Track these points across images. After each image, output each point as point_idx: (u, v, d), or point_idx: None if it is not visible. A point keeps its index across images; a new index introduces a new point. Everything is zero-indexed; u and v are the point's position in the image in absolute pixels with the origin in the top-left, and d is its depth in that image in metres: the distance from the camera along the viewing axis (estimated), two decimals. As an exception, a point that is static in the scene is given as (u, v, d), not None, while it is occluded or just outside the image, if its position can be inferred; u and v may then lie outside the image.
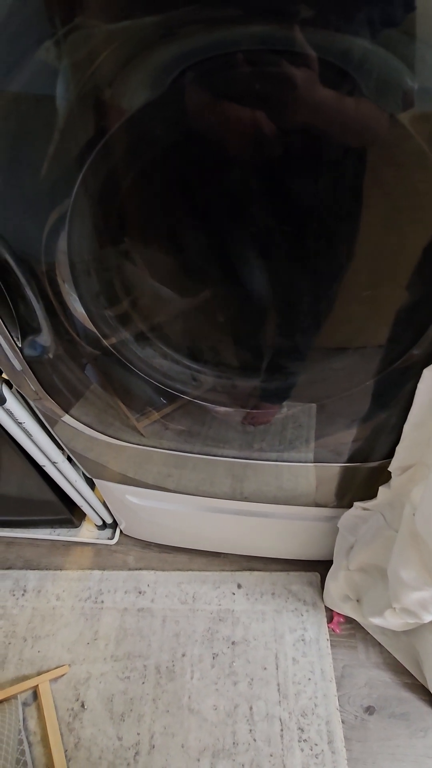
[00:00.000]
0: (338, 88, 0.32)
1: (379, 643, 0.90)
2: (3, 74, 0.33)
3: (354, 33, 0.29)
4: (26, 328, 0.50)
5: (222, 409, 0.65)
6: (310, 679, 0.87)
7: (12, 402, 0.63)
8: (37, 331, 0.50)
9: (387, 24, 0.29)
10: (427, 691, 0.84)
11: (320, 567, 1.00)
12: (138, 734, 0.81)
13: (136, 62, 0.33)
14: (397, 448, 0.53)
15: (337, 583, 0.81)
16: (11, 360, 0.53)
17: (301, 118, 0.34)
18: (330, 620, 0.93)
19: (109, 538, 1.08)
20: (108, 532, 1.10)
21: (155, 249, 0.47)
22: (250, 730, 0.82)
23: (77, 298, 0.48)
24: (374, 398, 0.54)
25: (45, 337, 0.51)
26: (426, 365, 0.45)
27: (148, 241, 0.46)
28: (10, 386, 0.62)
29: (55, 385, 0.60)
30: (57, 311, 0.49)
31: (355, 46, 0.30)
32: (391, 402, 0.53)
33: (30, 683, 0.85)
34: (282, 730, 0.82)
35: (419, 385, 0.44)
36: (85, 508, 0.99)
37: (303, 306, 0.49)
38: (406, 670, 0.87)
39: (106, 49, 0.32)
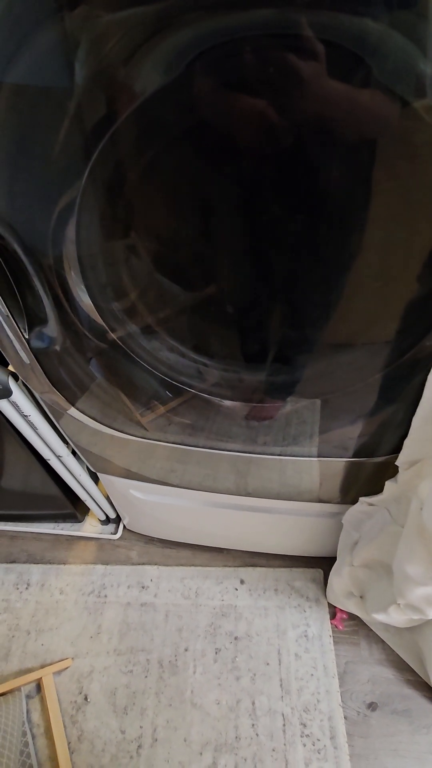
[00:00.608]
0: (352, 75, 0.32)
1: (382, 640, 0.90)
2: (5, 64, 0.33)
3: (367, 15, 0.29)
4: (33, 319, 0.50)
5: (227, 402, 0.65)
6: (312, 675, 0.87)
7: (18, 394, 0.63)
8: (44, 321, 0.50)
9: (401, 5, 0.28)
10: (430, 688, 0.84)
11: (323, 563, 1.00)
12: (141, 727, 0.82)
13: (145, 49, 0.33)
14: (405, 442, 0.53)
15: (340, 579, 0.81)
16: (19, 352, 0.53)
17: (309, 110, 0.34)
18: (333, 617, 0.93)
19: (112, 533, 1.08)
20: (111, 526, 1.10)
21: (163, 240, 0.47)
22: (253, 725, 0.82)
23: (85, 290, 0.48)
24: (381, 392, 0.54)
25: (52, 328, 0.51)
26: (435, 358, 0.44)
27: (157, 231, 0.46)
28: (16, 378, 0.62)
29: (62, 378, 0.60)
30: (64, 302, 0.49)
31: (370, 30, 0.29)
32: (399, 396, 0.52)
33: (33, 676, 0.85)
34: (284, 725, 0.82)
35: (429, 377, 0.44)
36: (88, 502, 0.99)
37: (312, 298, 0.49)
38: (409, 666, 0.87)
39: (114, 36, 0.32)
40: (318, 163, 0.38)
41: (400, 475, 0.58)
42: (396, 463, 0.57)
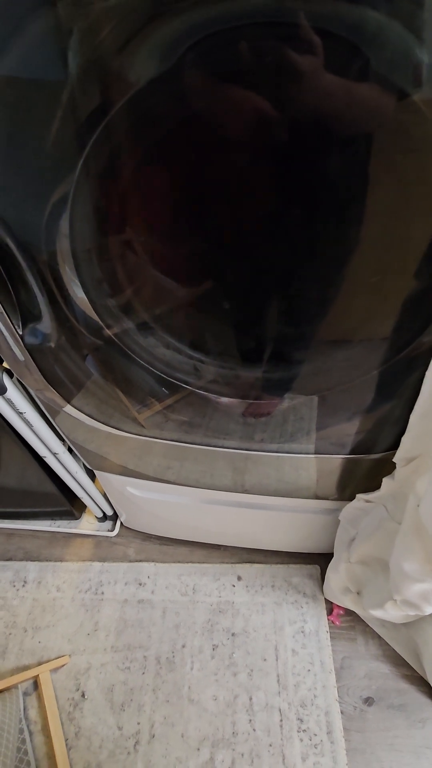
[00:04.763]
0: (350, 66, 0.31)
1: (379, 636, 0.91)
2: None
3: (366, 4, 0.28)
4: (27, 315, 0.49)
5: (224, 399, 0.64)
6: (309, 670, 0.87)
7: (13, 391, 0.62)
8: (38, 318, 0.49)
9: None
10: (426, 682, 0.85)
11: (320, 560, 1.00)
12: (138, 724, 0.82)
13: (139, 38, 0.32)
14: (403, 439, 0.52)
15: (337, 575, 0.81)
16: (13, 348, 0.53)
17: (307, 103, 0.34)
18: (330, 612, 0.94)
19: (109, 530, 1.08)
20: (108, 524, 1.10)
21: (158, 235, 0.46)
22: (250, 720, 0.82)
23: (79, 285, 0.48)
24: (379, 389, 0.54)
25: (46, 325, 0.50)
26: (433, 354, 0.44)
27: (151, 226, 0.45)
28: (11, 375, 0.62)
29: (57, 375, 0.59)
30: (58, 298, 0.48)
31: (368, 19, 0.29)
32: (397, 392, 0.52)
33: (30, 673, 0.85)
34: (281, 720, 0.82)
35: (427, 373, 0.44)
36: (85, 499, 0.99)
37: (309, 293, 0.48)
38: (405, 662, 0.88)
39: (107, 25, 0.31)
40: (315, 156, 0.37)
41: (398, 472, 0.58)
42: (393, 460, 0.57)
